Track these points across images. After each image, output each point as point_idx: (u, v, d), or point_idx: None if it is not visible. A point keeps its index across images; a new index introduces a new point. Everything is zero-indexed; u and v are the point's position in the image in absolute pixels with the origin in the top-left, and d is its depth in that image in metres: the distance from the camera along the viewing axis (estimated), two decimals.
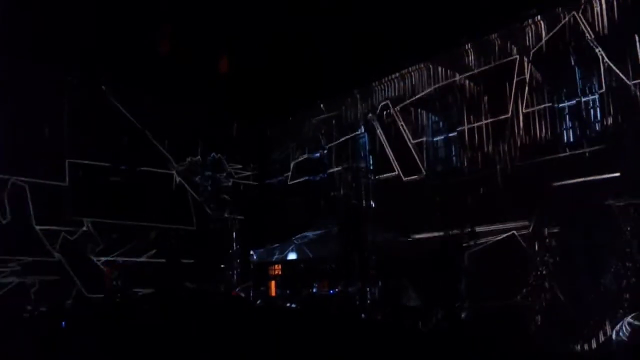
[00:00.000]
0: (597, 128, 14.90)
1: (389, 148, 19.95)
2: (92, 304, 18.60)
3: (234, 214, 23.20)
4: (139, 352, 11.32)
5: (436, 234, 17.18)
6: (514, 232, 15.49)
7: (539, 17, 16.00)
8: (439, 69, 18.78)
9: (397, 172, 19.49)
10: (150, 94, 21.21)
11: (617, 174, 13.37)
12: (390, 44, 18.00)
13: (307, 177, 23.59)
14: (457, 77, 17.97)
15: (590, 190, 13.65)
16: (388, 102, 20.21)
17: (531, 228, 15.07)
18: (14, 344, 11.51)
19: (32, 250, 18.80)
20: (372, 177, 19.81)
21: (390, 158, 19.78)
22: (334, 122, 22.62)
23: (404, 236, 18.20)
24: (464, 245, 16.05)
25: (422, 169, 18.70)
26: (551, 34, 15.60)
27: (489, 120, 16.95)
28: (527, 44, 16.20)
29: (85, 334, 12.57)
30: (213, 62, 19.71)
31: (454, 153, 18.64)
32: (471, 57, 17.72)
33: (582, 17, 14.88)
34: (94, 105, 20.53)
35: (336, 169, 22.05)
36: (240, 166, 25.45)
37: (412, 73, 19.74)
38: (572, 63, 15.34)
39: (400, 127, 19.60)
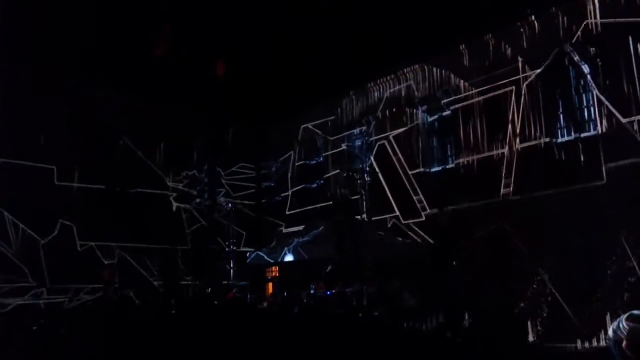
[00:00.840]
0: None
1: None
2: (90, 307, 18.65)
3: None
4: (137, 354, 11.33)
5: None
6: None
7: (532, 17, 16.09)
8: (434, 69, 18.89)
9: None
10: (146, 96, 21.22)
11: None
12: (388, 44, 18.07)
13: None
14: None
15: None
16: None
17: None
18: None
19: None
20: (368, 178, 19.83)
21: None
22: (329, 124, 22.71)
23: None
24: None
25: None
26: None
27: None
28: (522, 44, 16.31)
29: (84, 337, 12.58)
30: (212, 63, 19.68)
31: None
32: (466, 58, 17.84)
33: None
34: (89, 117, 20.63)
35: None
36: (237, 176, 25.44)
37: (407, 74, 19.84)
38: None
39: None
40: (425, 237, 17.97)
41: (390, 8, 16.83)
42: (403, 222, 18.99)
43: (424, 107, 19.09)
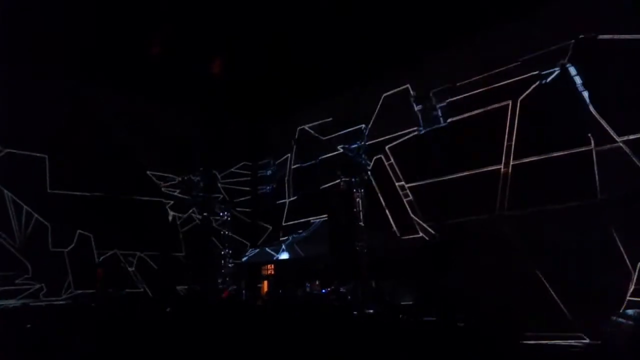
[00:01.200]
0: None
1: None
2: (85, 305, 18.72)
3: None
4: (134, 351, 11.43)
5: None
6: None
7: (530, 17, 16.18)
8: (431, 69, 19.00)
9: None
10: (146, 96, 21.26)
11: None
12: (385, 44, 18.24)
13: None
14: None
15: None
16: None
17: None
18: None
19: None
20: (367, 177, 19.94)
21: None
22: (326, 125, 22.81)
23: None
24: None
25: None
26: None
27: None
28: (520, 45, 16.40)
29: (80, 335, 12.66)
30: (211, 63, 19.77)
31: None
32: (463, 58, 17.97)
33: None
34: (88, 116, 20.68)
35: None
36: (233, 179, 25.47)
37: (405, 74, 19.92)
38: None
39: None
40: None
41: (388, 8, 16.95)
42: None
43: (420, 107, 19.22)
